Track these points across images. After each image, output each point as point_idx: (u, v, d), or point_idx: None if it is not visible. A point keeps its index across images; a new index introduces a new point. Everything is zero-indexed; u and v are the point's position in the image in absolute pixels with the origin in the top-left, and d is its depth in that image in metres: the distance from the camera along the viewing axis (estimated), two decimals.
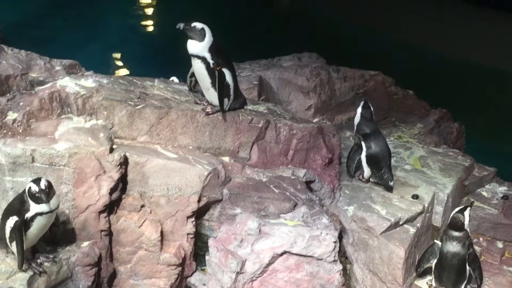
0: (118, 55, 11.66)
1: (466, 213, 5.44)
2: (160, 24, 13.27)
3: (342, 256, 5.87)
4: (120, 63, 11.45)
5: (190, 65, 5.90)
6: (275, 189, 5.76)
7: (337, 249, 5.37)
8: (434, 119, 8.09)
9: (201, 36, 5.60)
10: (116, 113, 5.72)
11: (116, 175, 5.32)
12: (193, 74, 6.05)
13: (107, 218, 5.37)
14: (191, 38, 5.63)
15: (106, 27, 12.31)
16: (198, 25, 5.62)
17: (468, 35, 12.42)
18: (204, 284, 5.58)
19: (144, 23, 13.71)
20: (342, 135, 6.94)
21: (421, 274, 5.83)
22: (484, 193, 6.87)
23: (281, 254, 5.31)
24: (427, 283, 5.80)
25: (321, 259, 5.33)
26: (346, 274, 5.86)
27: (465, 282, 5.59)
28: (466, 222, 5.43)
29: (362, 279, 5.87)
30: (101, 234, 5.36)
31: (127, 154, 5.48)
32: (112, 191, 5.32)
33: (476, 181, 6.92)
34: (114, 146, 5.52)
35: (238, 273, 5.26)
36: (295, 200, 5.71)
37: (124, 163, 5.43)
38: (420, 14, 13.19)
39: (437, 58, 12.12)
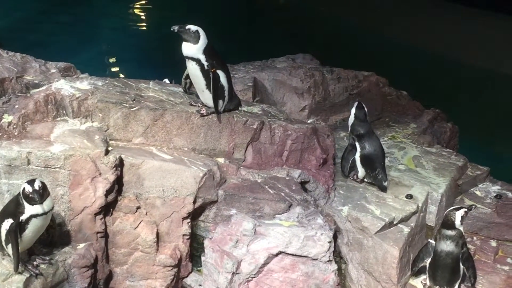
0: (113, 58, 11.67)
1: (458, 212, 5.47)
2: (155, 27, 13.29)
3: (337, 256, 5.90)
4: (115, 66, 11.46)
5: (184, 67, 5.93)
6: (270, 190, 5.78)
7: (332, 249, 5.39)
8: (428, 119, 8.11)
9: (195, 38, 5.62)
10: (111, 115, 5.73)
11: (111, 177, 5.33)
12: (187, 76, 6.06)
13: (103, 220, 5.38)
14: (186, 41, 5.65)
15: (101, 30, 12.34)
16: (193, 27, 5.64)
17: (462, 36, 12.47)
18: (200, 285, 5.60)
19: (138, 25, 13.73)
20: (336, 136, 6.97)
21: (416, 273, 5.86)
22: (478, 192, 6.91)
23: (276, 255, 5.34)
24: (421, 282, 5.83)
25: (316, 259, 5.35)
26: (341, 274, 5.89)
27: (459, 280, 5.62)
28: (457, 221, 5.46)
29: (357, 279, 5.90)
30: (97, 236, 5.37)
31: (123, 156, 5.50)
32: (107, 193, 5.33)
33: (469, 180, 6.96)
34: (110, 148, 5.53)
35: (233, 274, 5.28)
36: (290, 201, 5.73)
37: (120, 165, 5.44)
38: (414, 14, 13.24)
39: (430, 58, 12.17)
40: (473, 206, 5.81)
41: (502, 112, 10.77)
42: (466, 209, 5.54)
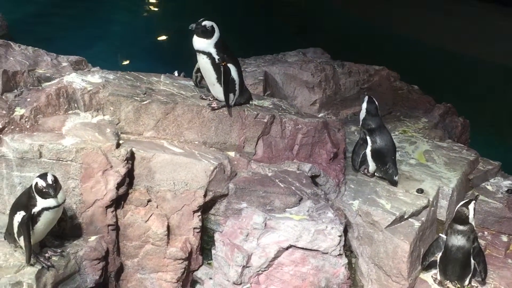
0: (124, 51, 11.67)
1: (471, 206, 5.47)
2: (166, 20, 13.28)
3: (347, 250, 5.90)
4: (126, 59, 11.47)
5: (195, 61, 5.93)
6: (280, 184, 5.78)
7: (342, 243, 5.40)
8: (439, 113, 8.09)
9: (210, 33, 5.63)
10: (123, 109, 5.75)
11: (123, 170, 5.35)
12: (198, 70, 6.07)
13: (114, 212, 5.41)
14: (199, 35, 5.66)
15: (112, 23, 12.34)
16: (208, 23, 5.64)
17: (473, 30, 12.41)
18: (210, 278, 5.62)
19: (149, 18, 13.73)
20: (347, 130, 6.97)
21: (426, 268, 5.86)
22: (489, 187, 6.88)
23: (287, 248, 5.34)
24: (432, 276, 5.82)
25: (327, 253, 5.36)
26: (351, 268, 5.90)
27: (470, 275, 5.62)
28: (471, 216, 5.46)
29: (367, 273, 5.90)
30: (108, 229, 5.40)
31: (134, 149, 5.52)
32: (119, 186, 5.35)
33: (480, 175, 6.93)
34: (121, 141, 5.55)
35: (244, 267, 5.30)
36: (301, 195, 5.73)
37: (131, 158, 5.46)
38: (425, 9, 13.17)
39: (442, 53, 12.11)
40: (477, 196, 5.81)
41: None
42: (474, 201, 5.56)
